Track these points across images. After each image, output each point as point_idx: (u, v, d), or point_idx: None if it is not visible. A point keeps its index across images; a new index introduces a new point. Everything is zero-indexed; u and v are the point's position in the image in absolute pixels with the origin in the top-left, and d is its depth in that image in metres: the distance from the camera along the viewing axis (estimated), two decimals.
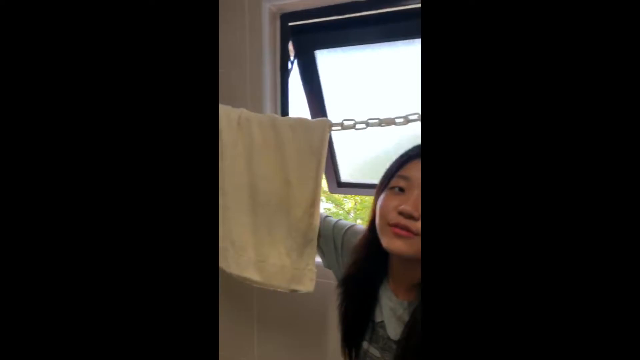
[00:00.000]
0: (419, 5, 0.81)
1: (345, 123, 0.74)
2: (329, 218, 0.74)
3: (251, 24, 0.93)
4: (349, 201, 2.38)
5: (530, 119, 0.26)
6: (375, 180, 0.57)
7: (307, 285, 0.75)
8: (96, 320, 0.30)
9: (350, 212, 2.39)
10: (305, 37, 0.99)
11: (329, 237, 0.71)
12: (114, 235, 0.30)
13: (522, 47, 0.27)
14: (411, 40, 0.89)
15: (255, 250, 0.79)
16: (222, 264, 0.82)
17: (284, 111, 1.00)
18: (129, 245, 0.30)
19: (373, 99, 1.02)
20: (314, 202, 0.73)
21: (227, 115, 0.82)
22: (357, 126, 0.73)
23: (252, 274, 0.79)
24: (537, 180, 0.26)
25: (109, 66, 0.30)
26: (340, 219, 0.74)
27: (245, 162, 0.81)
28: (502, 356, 0.26)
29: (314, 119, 0.75)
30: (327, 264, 0.73)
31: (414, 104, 0.89)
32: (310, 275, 0.75)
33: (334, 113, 1.05)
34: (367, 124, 0.73)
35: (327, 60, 1.02)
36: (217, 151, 0.83)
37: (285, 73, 0.98)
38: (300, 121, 0.76)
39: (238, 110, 0.82)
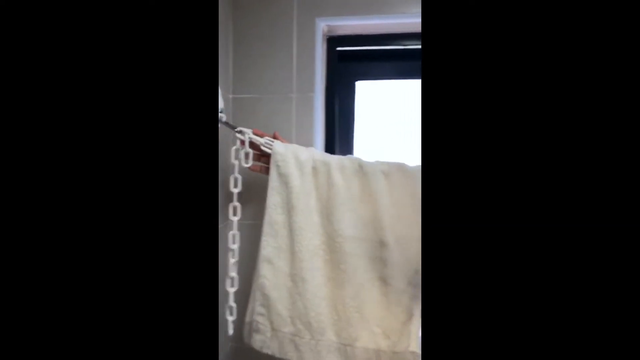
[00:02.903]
0: None
1: None
2: None
3: (300, 44, 0.76)
4: None
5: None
6: None
7: None
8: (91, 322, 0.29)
9: None
10: (350, 65, 0.86)
11: None
12: (112, 240, 0.30)
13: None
14: None
15: (336, 331, 0.61)
16: (290, 354, 0.61)
17: (330, 144, 0.84)
18: (127, 250, 0.30)
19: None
20: (419, 269, 0.60)
21: (296, 156, 0.63)
22: None
23: None
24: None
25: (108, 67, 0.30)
26: None
27: (322, 217, 0.62)
28: None
29: (416, 165, 0.62)
30: None
31: None
32: (414, 359, 0.60)
33: (360, 149, 0.93)
34: None
35: (366, 91, 0.91)
36: (217, 150, 0.63)
37: (332, 100, 0.83)
38: (396, 167, 0.62)
39: (308, 151, 0.65)
